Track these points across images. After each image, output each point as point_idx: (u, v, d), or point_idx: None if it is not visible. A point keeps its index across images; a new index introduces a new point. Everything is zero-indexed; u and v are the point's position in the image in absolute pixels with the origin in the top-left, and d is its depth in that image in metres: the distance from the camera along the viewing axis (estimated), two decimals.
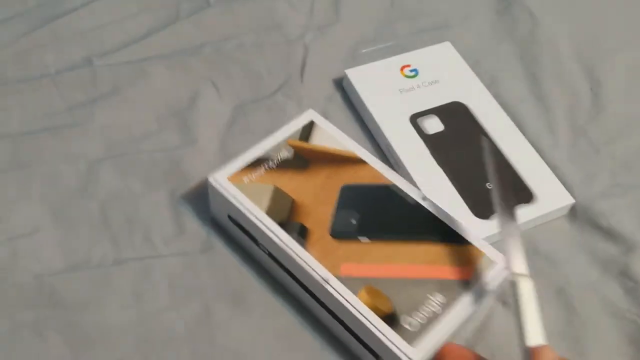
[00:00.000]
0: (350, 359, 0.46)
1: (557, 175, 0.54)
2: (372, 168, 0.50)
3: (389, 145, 0.55)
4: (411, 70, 0.61)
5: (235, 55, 0.63)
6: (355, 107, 0.60)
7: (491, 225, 0.51)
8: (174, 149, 0.56)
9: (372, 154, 0.51)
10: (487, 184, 0.53)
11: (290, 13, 0.67)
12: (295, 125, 0.53)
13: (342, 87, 0.62)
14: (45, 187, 0.53)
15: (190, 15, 0.66)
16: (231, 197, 0.48)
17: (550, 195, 0.53)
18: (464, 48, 0.64)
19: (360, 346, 0.45)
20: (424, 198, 0.49)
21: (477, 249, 0.46)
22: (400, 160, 0.54)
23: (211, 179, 0.49)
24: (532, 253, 0.51)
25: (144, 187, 0.54)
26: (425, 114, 0.57)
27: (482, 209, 0.51)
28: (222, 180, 0.49)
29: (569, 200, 0.53)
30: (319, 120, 0.53)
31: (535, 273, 0.44)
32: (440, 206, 0.48)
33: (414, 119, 0.57)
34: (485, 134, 0.56)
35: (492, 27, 0.67)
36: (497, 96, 0.60)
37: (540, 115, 0.59)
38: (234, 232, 0.51)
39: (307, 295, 0.47)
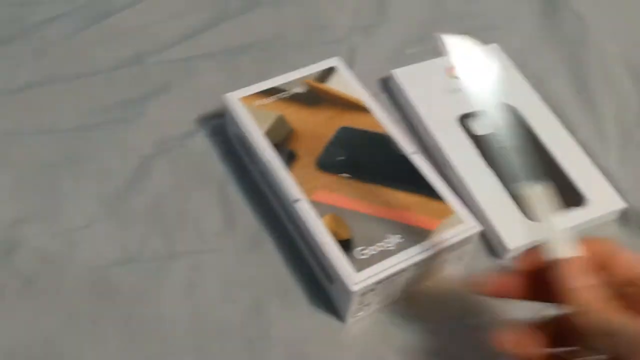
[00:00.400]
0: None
1: (607, 178, 0.54)
2: (373, 118, 0.54)
3: (437, 146, 0.56)
4: None
5: (282, 55, 0.63)
6: (402, 107, 0.60)
7: (543, 228, 0.50)
8: (224, 143, 0.57)
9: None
10: None
11: (336, 13, 0.68)
12: (318, 67, 0.57)
13: (388, 87, 0.62)
14: (98, 181, 0.54)
15: (239, 15, 0.67)
16: (238, 115, 0.53)
17: (600, 199, 0.53)
18: (510, 50, 0.64)
19: (321, 271, 0.48)
20: (414, 152, 0.51)
21: (449, 207, 0.49)
22: (449, 161, 0.54)
23: (226, 97, 0.54)
24: None
25: (193, 182, 0.55)
26: (474, 115, 0.57)
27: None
28: (234, 99, 0.54)
29: (619, 204, 0.53)
30: (341, 67, 0.57)
31: None
32: (429, 165, 0.51)
33: (463, 120, 0.57)
34: (535, 137, 0.56)
35: (538, 29, 0.67)
36: (545, 99, 0.60)
37: (588, 118, 0.59)
38: (241, 153, 0.56)
39: (285, 216, 0.51)
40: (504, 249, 0.50)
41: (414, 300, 0.49)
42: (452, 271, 0.50)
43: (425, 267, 0.47)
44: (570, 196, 0.53)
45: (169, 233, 0.51)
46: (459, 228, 0.47)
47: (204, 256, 0.50)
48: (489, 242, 0.52)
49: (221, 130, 0.58)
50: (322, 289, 0.49)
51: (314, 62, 0.63)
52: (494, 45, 0.63)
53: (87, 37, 0.64)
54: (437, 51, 0.63)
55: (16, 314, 0.47)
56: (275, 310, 0.48)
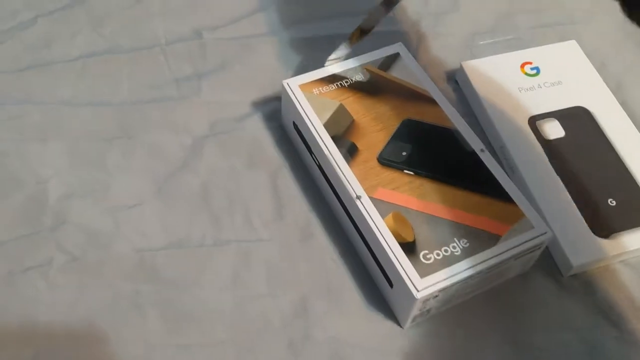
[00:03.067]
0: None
1: None
2: (440, 110, 0.51)
3: (504, 147, 0.52)
4: (532, 68, 0.57)
5: (342, 38, 0.60)
6: (469, 101, 0.57)
7: (611, 245, 0.47)
8: (278, 129, 0.55)
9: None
10: (610, 201, 0.49)
11: None
12: (380, 53, 0.54)
13: (455, 80, 0.59)
14: (148, 159, 0.53)
15: None
16: (297, 103, 0.51)
17: None
18: (588, 48, 0.59)
19: (380, 273, 0.45)
20: (483, 150, 0.48)
21: (519, 210, 0.45)
22: (515, 164, 0.51)
23: (285, 83, 0.52)
24: None
25: (246, 167, 0.53)
26: (546, 117, 0.54)
27: (601, 227, 0.48)
28: (294, 86, 0.52)
29: None
30: (405, 54, 0.54)
31: None
32: (497, 163, 0.48)
33: (533, 122, 0.53)
34: (610, 145, 0.52)
35: (619, 28, 0.63)
36: (623, 104, 0.56)
37: None
38: (296, 141, 0.53)
39: (342, 212, 0.48)
40: (568, 265, 0.47)
41: (470, 305, 0.46)
42: (515, 276, 0.48)
43: (489, 273, 0.44)
44: None
45: (218, 219, 0.50)
46: (529, 234, 0.44)
47: (251, 246, 0.49)
48: (551, 254, 0.49)
49: (276, 115, 0.56)
50: (375, 291, 0.47)
51: (376, 48, 0.60)
52: (572, 42, 0.59)
53: (147, 9, 0.62)
54: (512, 45, 0.60)
55: (59, 291, 0.46)
56: (321, 309, 0.46)
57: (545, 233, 0.45)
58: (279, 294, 0.47)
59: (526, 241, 0.44)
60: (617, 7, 0.63)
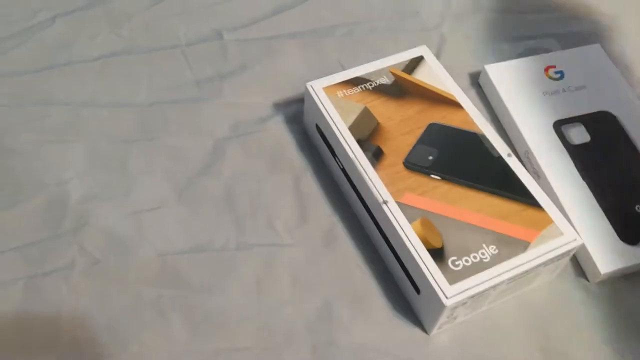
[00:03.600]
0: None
1: None
2: (466, 114, 0.50)
3: (529, 152, 0.52)
4: (556, 72, 0.56)
5: (367, 40, 0.60)
6: (492, 105, 0.57)
7: (638, 253, 0.47)
8: (300, 132, 0.54)
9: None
10: (637, 207, 0.49)
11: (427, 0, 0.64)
12: (404, 56, 0.54)
13: (478, 83, 0.58)
14: (170, 161, 0.52)
15: None
16: (321, 105, 0.50)
17: None
18: (613, 52, 0.59)
19: (406, 278, 0.45)
20: (509, 155, 0.47)
21: (548, 215, 0.45)
22: (541, 170, 0.51)
23: (308, 85, 0.51)
24: None
25: (268, 169, 0.52)
26: (571, 122, 0.53)
27: (629, 233, 0.47)
28: (317, 88, 0.51)
29: None
30: (429, 57, 0.54)
31: None
32: (524, 168, 0.47)
33: (558, 126, 0.53)
34: (636, 150, 0.52)
35: None
36: None
37: None
38: (318, 144, 0.53)
39: (367, 217, 0.48)
40: (596, 272, 0.46)
41: (498, 311, 0.46)
42: (542, 282, 0.47)
43: (518, 280, 0.44)
44: None
45: (240, 223, 0.49)
46: (559, 240, 0.44)
47: (274, 250, 0.48)
48: (578, 261, 0.48)
49: (299, 117, 0.55)
50: (401, 296, 0.47)
51: (399, 50, 0.59)
52: (597, 46, 0.58)
53: (167, 9, 0.62)
54: (536, 48, 0.59)
55: (81, 295, 0.46)
56: (346, 315, 0.46)
57: (575, 240, 0.44)
58: (304, 299, 0.46)
59: (555, 248, 0.43)
60: None
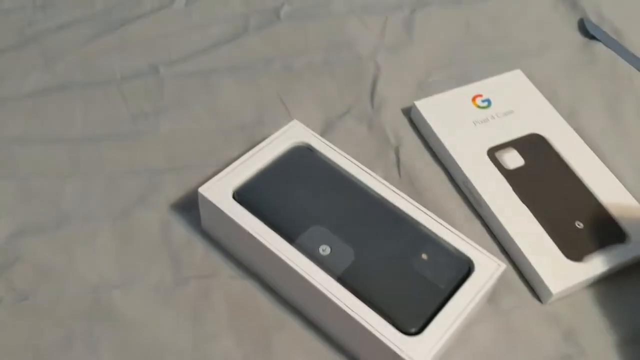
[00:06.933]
0: None
1: None
2: None
3: (467, 182, 0.52)
4: (483, 101, 0.58)
5: (304, 73, 0.61)
6: (426, 139, 0.57)
7: (585, 268, 0.47)
8: None
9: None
10: (577, 223, 0.50)
11: (361, 31, 0.65)
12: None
13: (411, 119, 0.59)
14: (104, 196, 0.51)
15: (260, 29, 0.64)
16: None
17: None
18: (541, 78, 0.61)
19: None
20: None
21: None
22: (481, 198, 0.51)
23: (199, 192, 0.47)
24: (629, 294, 0.48)
25: None
26: (503, 147, 0.54)
27: (573, 250, 0.48)
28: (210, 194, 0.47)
29: None
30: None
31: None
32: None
33: (492, 153, 0.54)
34: (569, 168, 0.53)
35: (570, 58, 0.64)
36: (578, 130, 0.57)
37: (625, 151, 0.56)
38: None
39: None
40: (547, 293, 0.47)
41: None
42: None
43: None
44: (610, 232, 0.49)
45: (176, 255, 0.48)
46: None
47: (211, 282, 0.47)
48: (531, 285, 0.48)
49: (236, 152, 0.55)
50: None
51: (335, 82, 0.60)
52: (517, 71, 0.60)
53: (102, 44, 0.62)
54: (466, 78, 0.61)
55: (9, 332, 0.44)
56: (282, 349, 0.45)
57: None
58: (240, 333, 0.45)
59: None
60: (568, 38, 0.66)
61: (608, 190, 0.52)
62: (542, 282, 0.47)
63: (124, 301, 0.46)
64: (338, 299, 0.42)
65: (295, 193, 0.47)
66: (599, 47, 0.65)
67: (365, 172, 0.48)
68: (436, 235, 0.45)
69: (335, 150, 0.50)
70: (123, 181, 0.52)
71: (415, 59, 0.63)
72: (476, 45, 0.65)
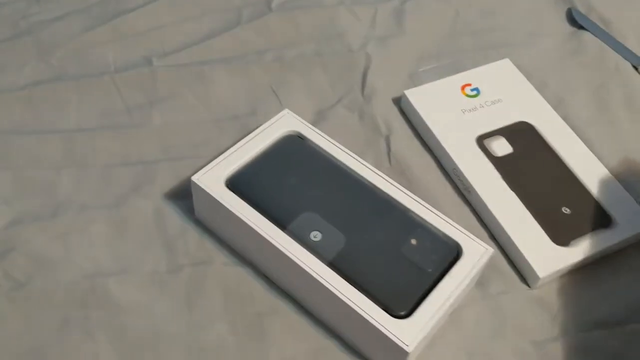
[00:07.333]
0: None
1: (635, 199, 0.52)
2: None
3: (456, 170, 0.53)
4: (472, 90, 0.59)
5: (296, 64, 0.62)
6: (416, 128, 0.58)
7: (571, 252, 0.48)
8: None
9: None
10: (564, 208, 0.51)
11: (352, 22, 0.66)
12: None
13: (401, 108, 0.60)
14: (99, 186, 0.52)
15: (252, 20, 0.65)
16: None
17: (629, 219, 0.50)
18: (530, 67, 0.62)
19: None
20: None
21: None
22: (470, 185, 0.52)
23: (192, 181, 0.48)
24: (614, 278, 0.49)
25: None
26: (492, 135, 0.55)
27: (560, 235, 0.49)
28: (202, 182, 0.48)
29: None
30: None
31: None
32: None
33: (481, 141, 0.55)
34: (556, 155, 0.54)
35: (558, 48, 0.65)
36: (565, 118, 0.58)
37: (612, 139, 0.57)
38: None
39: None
40: (534, 277, 0.48)
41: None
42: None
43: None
44: (596, 217, 0.50)
45: (170, 244, 0.49)
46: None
47: (206, 269, 0.48)
48: (519, 270, 0.50)
49: (229, 142, 0.56)
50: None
51: (327, 72, 0.61)
52: (506, 60, 0.61)
53: (95, 37, 0.62)
54: (456, 68, 0.62)
55: (5, 320, 0.45)
56: (276, 332, 0.46)
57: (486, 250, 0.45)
58: (234, 318, 0.46)
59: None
60: (557, 28, 0.67)
61: (594, 177, 0.53)
62: (529, 266, 0.48)
63: (119, 289, 0.46)
64: (329, 283, 0.43)
65: (286, 181, 0.48)
66: (586, 36, 0.66)
67: (356, 160, 0.49)
68: (425, 220, 0.46)
69: (326, 138, 0.50)
70: (117, 171, 0.53)
71: (406, 49, 0.64)
72: (466, 35, 0.66)
